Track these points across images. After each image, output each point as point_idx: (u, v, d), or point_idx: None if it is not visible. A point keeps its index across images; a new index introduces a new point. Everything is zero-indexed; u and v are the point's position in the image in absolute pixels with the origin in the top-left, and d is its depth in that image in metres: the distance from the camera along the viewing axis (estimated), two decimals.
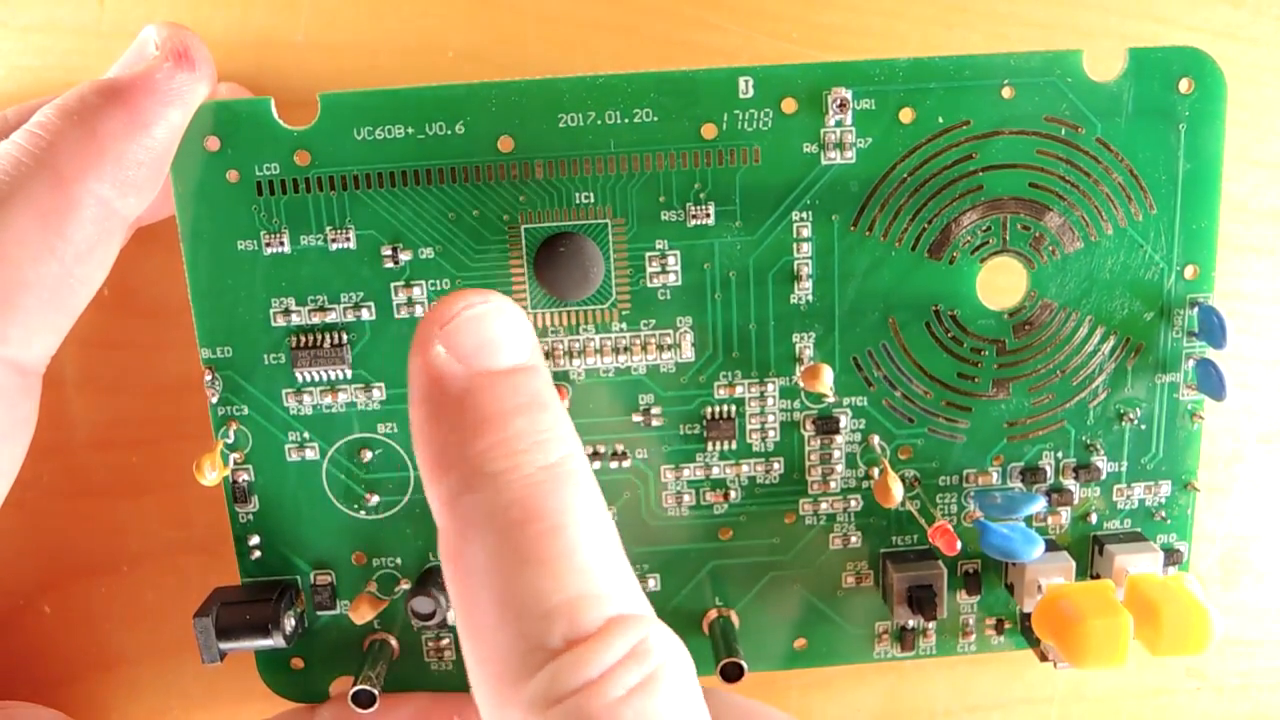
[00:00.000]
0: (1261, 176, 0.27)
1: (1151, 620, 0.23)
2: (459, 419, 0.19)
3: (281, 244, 0.24)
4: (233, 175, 0.23)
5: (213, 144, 0.23)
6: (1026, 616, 0.26)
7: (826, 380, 0.24)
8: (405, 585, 0.26)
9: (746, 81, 0.23)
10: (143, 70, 0.22)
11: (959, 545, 0.24)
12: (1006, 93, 0.24)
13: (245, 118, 0.23)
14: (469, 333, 0.19)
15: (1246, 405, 0.28)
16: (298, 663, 0.26)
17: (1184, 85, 0.24)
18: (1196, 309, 0.25)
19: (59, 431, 0.27)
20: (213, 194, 0.23)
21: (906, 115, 0.24)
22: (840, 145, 0.24)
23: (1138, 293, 0.25)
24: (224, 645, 0.25)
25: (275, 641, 0.25)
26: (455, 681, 0.27)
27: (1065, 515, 0.26)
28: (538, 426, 0.19)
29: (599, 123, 0.23)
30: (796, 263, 0.24)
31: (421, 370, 0.19)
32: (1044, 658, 0.26)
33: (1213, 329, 0.24)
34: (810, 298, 0.25)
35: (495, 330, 0.20)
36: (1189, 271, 0.25)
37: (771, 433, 0.25)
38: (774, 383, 0.25)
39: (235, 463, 0.25)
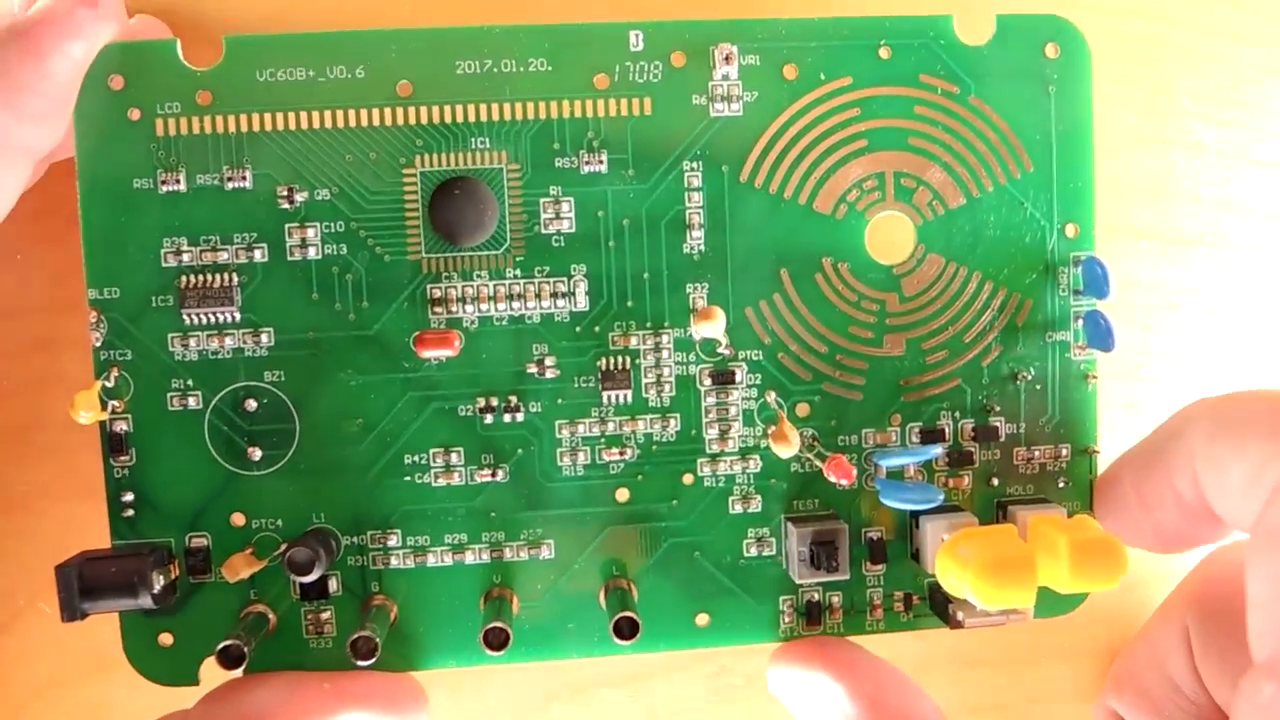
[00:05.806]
0: (1261, 176, 0.27)
1: (1054, 553, 0.23)
2: None
3: (178, 182, 0.24)
4: (134, 114, 0.24)
5: (117, 83, 0.24)
6: (935, 589, 0.25)
7: (719, 323, 0.24)
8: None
9: (637, 35, 0.24)
10: (42, 6, 0.22)
11: (855, 473, 0.23)
12: (884, 53, 0.25)
13: (151, 58, 0.24)
14: None
15: None
16: (166, 638, 0.25)
17: (1050, 50, 0.25)
18: (1081, 266, 0.25)
19: (59, 432, 0.27)
20: (112, 132, 0.24)
21: (790, 72, 0.25)
22: (727, 98, 0.25)
23: (1022, 249, 0.25)
24: (86, 604, 0.23)
25: (143, 601, 0.23)
26: (335, 659, 0.25)
27: (968, 479, 0.26)
28: None
29: (495, 71, 0.24)
30: (688, 212, 0.25)
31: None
32: (956, 624, 0.25)
33: (1096, 279, 0.25)
34: (702, 247, 0.25)
35: None
36: (1070, 230, 0.26)
37: (668, 386, 0.25)
38: (669, 334, 0.25)
39: (114, 410, 0.24)
